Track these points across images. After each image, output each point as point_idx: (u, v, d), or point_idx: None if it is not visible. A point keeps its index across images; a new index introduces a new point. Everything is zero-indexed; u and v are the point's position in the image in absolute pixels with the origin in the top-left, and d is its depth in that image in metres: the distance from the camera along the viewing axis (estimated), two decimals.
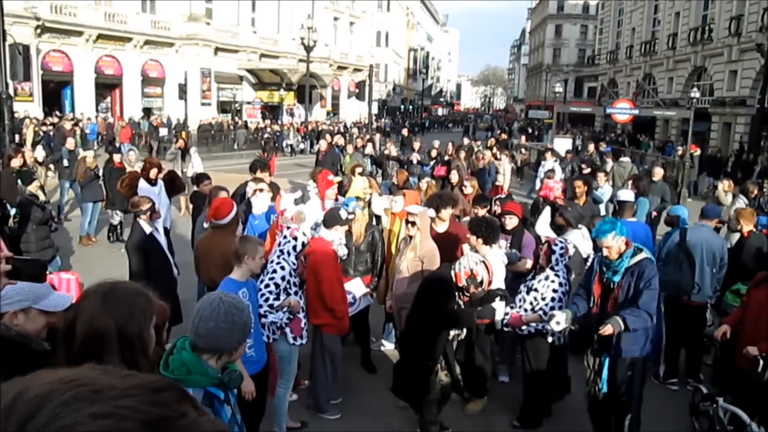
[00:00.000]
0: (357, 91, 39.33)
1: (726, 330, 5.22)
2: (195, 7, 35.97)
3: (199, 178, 8.69)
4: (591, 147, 20.91)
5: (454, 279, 4.91)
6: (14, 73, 14.47)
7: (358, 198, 7.58)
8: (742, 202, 9.56)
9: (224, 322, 2.55)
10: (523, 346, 5.72)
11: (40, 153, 12.68)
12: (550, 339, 5.48)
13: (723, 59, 31.86)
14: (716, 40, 32.77)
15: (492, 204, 7.56)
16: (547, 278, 5.45)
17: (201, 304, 2.66)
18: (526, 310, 5.48)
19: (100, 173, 11.51)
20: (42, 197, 8.97)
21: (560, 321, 4.85)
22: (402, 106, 68.53)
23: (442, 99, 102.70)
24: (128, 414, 0.57)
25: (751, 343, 4.82)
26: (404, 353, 5.43)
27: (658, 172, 11.94)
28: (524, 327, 5.52)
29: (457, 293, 4.98)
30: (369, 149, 17.68)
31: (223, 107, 39.36)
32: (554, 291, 5.39)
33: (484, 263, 4.91)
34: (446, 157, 14.86)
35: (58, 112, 29.26)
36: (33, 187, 8.70)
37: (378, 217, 7.67)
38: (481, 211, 7.06)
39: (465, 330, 5.33)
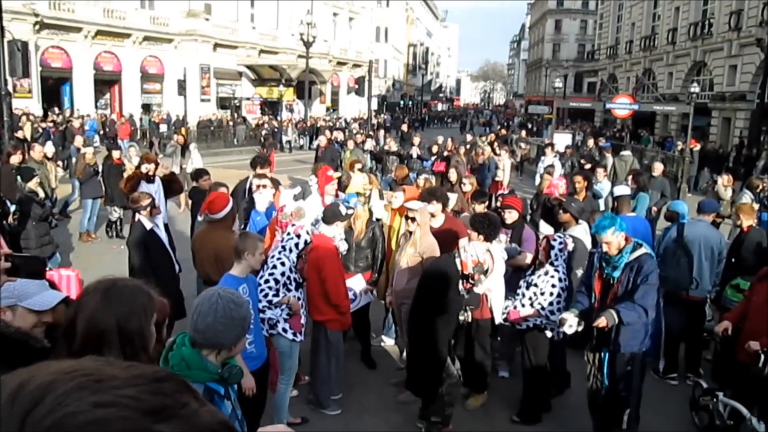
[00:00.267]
0: (356, 86, 39.38)
1: (727, 326, 5.22)
2: (194, 3, 35.95)
3: (199, 174, 8.68)
4: (591, 142, 20.91)
5: (459, 267, 4.94)
6: (13, 69, 14.45)
7: (358, 194, 7.58)
8: (747, 197, 9.55)
9: (223, 317, 2.55)
10: (522, 342, 5.73)
11: (49, 149, 12.66)
12: (549, 334, 5.50)
13: (723, 54, 31.84)
14: (716, 35, 32.73)
15: (493, 200, 7.56)
16: (546, 273, 5.46)
17: (199, 299, 2.66)
18: (523, 305, 5.50)
19: (100, 170, 11.52)
20: (41, 194, 8.96)
21: (572, 324, 4.88)
22: (401, 102, 68.46)
23: (441, 94, 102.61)
24: (129, 403, 0.58)
25: (752, 337, 4.82)
26: (414, 343, 5.33)
27: (658, 168, 11.93)
28: (523, 322, 5.54)
29: (461, 280, 5.01)
30: (369, 145, 17.67)
31: (223, 103, 39.31)
32: (553, 286, 5.40)
33: (490, 252, 5.01)
34: (445, 153, 14.84)
35: (57, 109, 29.21)
36: (33, 184, 8.69)
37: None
38: (479, 207, 7.06)
39: (470, 313, 5.34)
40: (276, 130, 31.87)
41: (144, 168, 9.00)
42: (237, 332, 2.62)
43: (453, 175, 10.16)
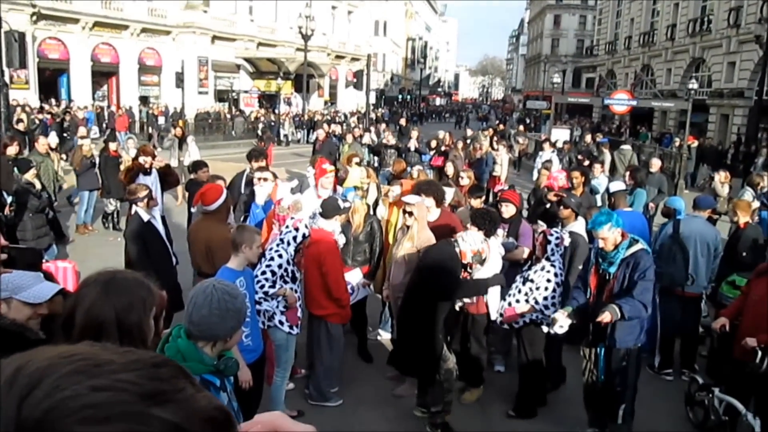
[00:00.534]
0: (355, 80, 39.19)
1: (724, 322, 5.23)
2: None
3: (197, 166, 8.64)
4: (588, 138, 20.92)
5: (459, 256, 4.98)
6: (10, 60, 14.40)
7: (356, 188, 7.57)
8: (749, 194, 9.57)
9: (217, 309, 2.56)
10: (518, 336, 5.74)
11: (53, 139, 12.63)
12: (545, 329, 5.51)
13: (721, 51, 31.83)
14: (715, 32, 32.72)
15: (492, 196, 7.56)
16: (542, 268, 5.47)
17: (195, 291, 2.67)
18: (518, 301, 5.51)
19: (96, 162, 11.49)
20: (38, 185, 8.94)
21: (563, 324, 4.91)
22: (400, 96, 68.34)
23: (440, 89, 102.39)
24: (126, 387, 0.59)
25: (750, 334, 4.82)
26: (409, 325, 5.24)
27: (656, 164, 11.94)
28: (519, 319, 5.55)
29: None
30: (366, 139, 17.64)
31: (221, 96, 39.20)
32: (548, 281, 5.41)
33: (486, 241, 5.12)
34: (443, 148, 14.82)
35: (53, 100, 29.11)
36: (29, 175, 8.67)
37: (375, 207, 7.66)
38: (475, 202, 7.05)
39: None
40: (273, 123, 31.79)
41: (141, 160, 8.99)
42: (232, 324, 2.62)
43: (450, 169, 10.15)
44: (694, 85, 24.07)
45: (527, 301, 5.47)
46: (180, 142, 14.77)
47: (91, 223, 11.78)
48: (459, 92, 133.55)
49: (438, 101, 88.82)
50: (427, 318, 5.03)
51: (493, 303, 5.72)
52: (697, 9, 35.58)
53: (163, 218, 7.47)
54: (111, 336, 1.97)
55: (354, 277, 6.24)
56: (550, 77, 43.76)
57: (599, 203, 9.72)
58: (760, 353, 4.72)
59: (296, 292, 5.13)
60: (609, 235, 4.82)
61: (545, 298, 5.41)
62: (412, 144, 14.71)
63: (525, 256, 6.07)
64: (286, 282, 5.01)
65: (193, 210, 6.23)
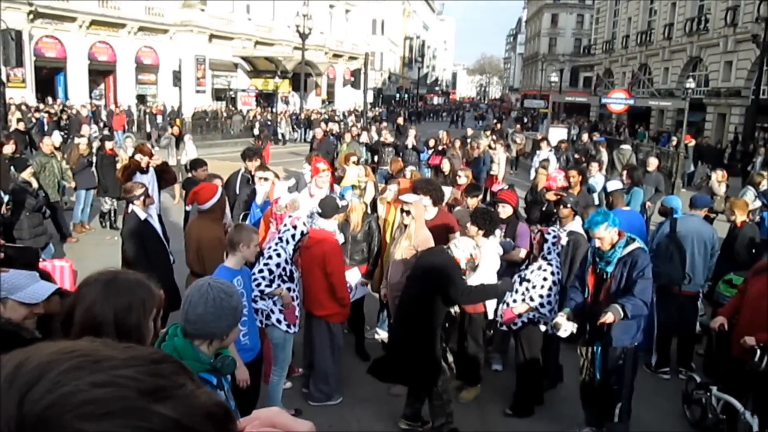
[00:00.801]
0: (352, 79, 39.24)
1: (722, 321, 5.24)
2: None
3: (196, 164, 8.62)
4: (585, 136, 20.94)
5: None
6: (7, 58, 14.38)
7: (353, 187, 7.56)
8: (751, 194, 9.58)
9: (213, 307, 2.56)
10: (516, 335, 5.74)
11: (57, 138, 12.59)
12: (543, 328, 5.52)
13: (718, 50, 31.89)
14: (712, 31, 32.78)
15: (489, 194, 7.55)
16: (539, 267, 5.48)
17: (190, 290, 2.67)
18: (515, 301, 5.52)
19: (93, 160, 11.47)
20: (35, 184, 8.92)
21: (567, 328, 4.92)
22: (397, 95, 68.30)
23: (437, 88, 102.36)
24: (127, 383, 0.59)
25: (748, 332, 4.82)
26: (407, 334, 5.13)
27: (653, 163, 11.95)
28: (518, 319, 5.55)
29: None
30: (364, 137, 17.62)
31: (218, 95, 39.15)
32: (545, 279, 5.42)
33: (477, 247, 5.09)
34: (440, 147, 14.81)
35: (50, 99, 29.05)
36: (26, 174, 8.65)
37: (374, 206, 7.65)
38: (472, 201, 7.05)
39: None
40: (269, 122, 31.75)
41: (138, 158, 8.98)
42: (228, 322, 2.62)
43: (446, 167, 10.14)
44: (691, 84, 24.12)
45: (524, 300, 5.48)
46: (177, 141, 14.76)
47: (88, 221, 11.76)
48: (456, 91, 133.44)
49: (435, 100, 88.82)
50: (426, 327, 5.00)
51: (491, 303, 5.72)
52: (695, 8, 35.62)
53: (159, 217, 7.46)
54: (109, 336, 1.96)
55: (352, 276, 6.23)
56: (547, 76, 43.90)
57: (596, 202, 9.74)
58: (759, 352, 4.73)
59: (294, 291, 5.13)
60: (605, 235, 4.82)
61: (541, 296, 5.41)
62: (410, 142, 14.71)
63: (522, 256, 6.07)
64: (284, 281, 5.00)
65: (188, 209, 6.22)
